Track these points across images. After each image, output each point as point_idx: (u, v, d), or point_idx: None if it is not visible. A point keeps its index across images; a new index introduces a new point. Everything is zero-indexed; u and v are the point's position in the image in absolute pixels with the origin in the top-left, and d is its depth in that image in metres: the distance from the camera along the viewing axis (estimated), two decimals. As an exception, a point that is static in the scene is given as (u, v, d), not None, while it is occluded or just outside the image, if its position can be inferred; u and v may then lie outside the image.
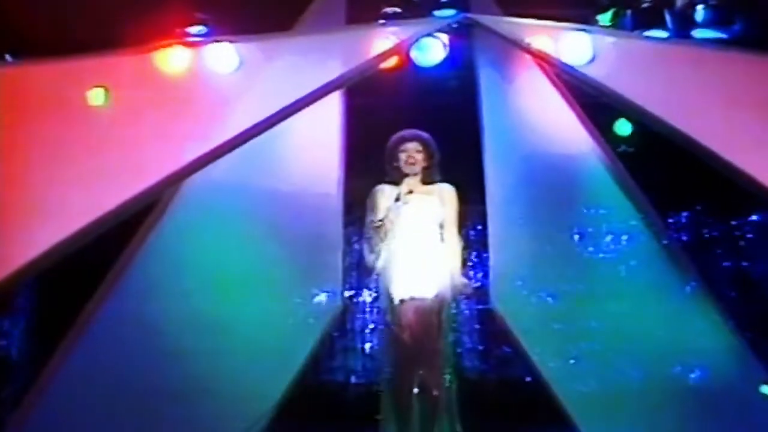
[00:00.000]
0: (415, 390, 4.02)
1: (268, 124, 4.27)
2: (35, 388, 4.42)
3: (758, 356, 4.61)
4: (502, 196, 4.86)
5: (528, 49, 4.47)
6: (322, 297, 4.85)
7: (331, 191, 4.82)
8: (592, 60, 4.36)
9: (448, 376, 4.06)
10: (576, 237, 4.86)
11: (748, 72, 4.26)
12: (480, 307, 5.39)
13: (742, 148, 4.06)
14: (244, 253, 4.71)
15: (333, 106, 4.83)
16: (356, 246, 5.07)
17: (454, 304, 4.27)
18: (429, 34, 4.74)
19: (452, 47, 4.93)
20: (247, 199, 4.73)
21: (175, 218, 4.67)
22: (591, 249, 4.82)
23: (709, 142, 4.07)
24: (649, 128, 4.38)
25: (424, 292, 4.11)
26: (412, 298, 4.09)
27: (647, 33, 4.98)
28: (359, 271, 5.24)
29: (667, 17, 5.04)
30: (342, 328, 5.49)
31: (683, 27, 5.02)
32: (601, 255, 4.82)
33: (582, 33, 4.40)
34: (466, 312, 5.43)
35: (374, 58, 4.39)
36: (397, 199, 4.11)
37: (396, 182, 4.20)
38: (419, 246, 4.19)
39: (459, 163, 4.51)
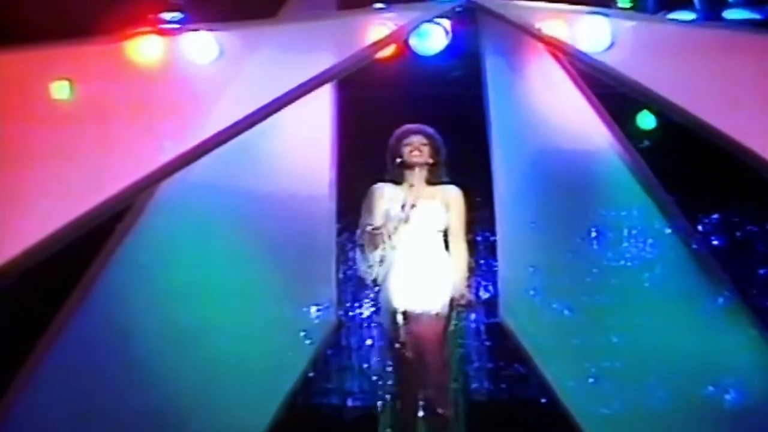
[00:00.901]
0: (420, 413, 3.91)
1: (251, 121, 4.16)
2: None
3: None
4: (511, 198, 4.74)
5: (539, 36, 4.33)
6: (314, 311, 4.70)
7: (322, 194, 4.70)
8: (611, 46, 4.22)
9: (454, 397, 3.91)
10: (594, 243, 4.70)
11: (788, 58, 4.15)
12: (489, 320, 5.22)
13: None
14: (227, 264, 4.59)
15: (323, 101, 4.69)
16: (351, 254, 4.78)
17: (460, 318, 4.11)
18: (430, 20, 4.58)
19: (455, 34, 4.80)
20: (229, 204, 4.61)
21: (149, 226, 4.55)
22: (611, 255, 4.67)
23: (742, 136, 3.94)
24: (675, 121, 4.24)
25: (428, 305, 3.99)
26: (415, 312, 3.98)
27: (672, 15, 4.86)
28: (355, 283, 5.05)
29: (694, -4, 4.97)
30: (337, 346, 5.32)
31: (713, 7, 4.90)
32: (622, 262, 4.67)
33: (599, 16, 4.26)
34: (474, 326, 5.24)
35: (369, 46, 4.26)
36: (404, 206, 3.96)
37: (397, 181, 4.10)
38: (422, 254, 4.06)
39: (464, 162, 4.44)
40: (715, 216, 5.36)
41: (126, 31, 4.31)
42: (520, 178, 4.76)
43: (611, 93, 4.60)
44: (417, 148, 4.07)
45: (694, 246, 4.76)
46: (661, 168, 4.78)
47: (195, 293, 4.54)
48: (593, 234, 4.72)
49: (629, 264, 4.69)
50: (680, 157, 5.01)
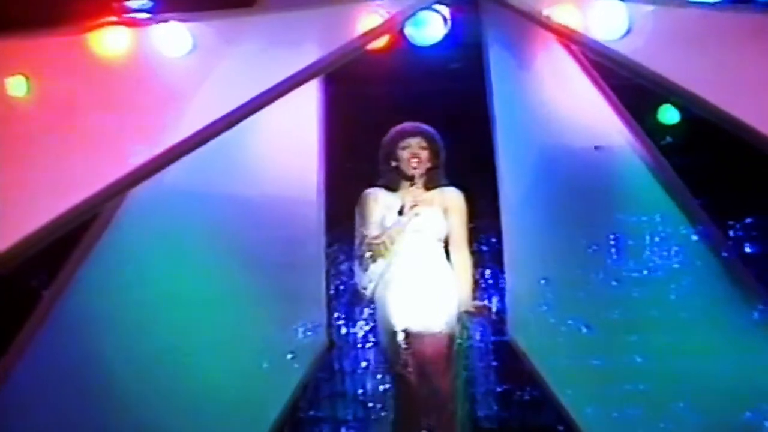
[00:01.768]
0: (423, 442, 3.83)
1: (230, 121, 4.06)
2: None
3: None
4: (519, 202, 4.60)
5: (547, 24, 4.19)
6: (302, 331, 4.55)
7: (310, 200, 4.55)
8: (627, 33, 4.11)
9: (460, 424, 3.83)
10: (613, 251, 4.52)
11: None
12: (496, 339, 5.02)
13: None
14: (204, 280, 4.45)
15: (310, 98, 4.56)
16: (343, 267, 4.79)
17: (466, 336, 4.00)
18: (427, 7, 4.45)
19: (455, 22, 4.64)
20: (207, 212, 4.48)
21: (119, 237, 4.42)
22: (632, 266, 4.49)
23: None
24: (700, 116, 4.12)
25: (430, 323, 3.87)
26: (417, 331, 3.85)
27: (694, -2, 4.79)
28: (348, 299, 4.92)
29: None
30: (328, 369, 5.13)
31: (739, -11, 4.80)
32: (644, 273, 4.49)
33: (614, 0, 4.11)
34: (481, 345, 5.04)
35: (359, 37, 4.17)
36: (401, 212, 3.81)
37: (392, 186, 3.94)
38: (423, 266, 3.93)
39: (466, 164, 4.41)
40: (748, 220, 5.16)
41: (89, 22, 4.18)
42: (528, 180, 4.61)
43: (629, 85, 4.43)
44: (415, 153, 3.89)
45: (725, 254, 4.59)
46: (685, 167, 4.64)
47: (168, 313, 4.40)
48: (611, 242, 4.55)
49: (652, 275, 4.53)
50: (707, 156, 4.86)
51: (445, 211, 3.94)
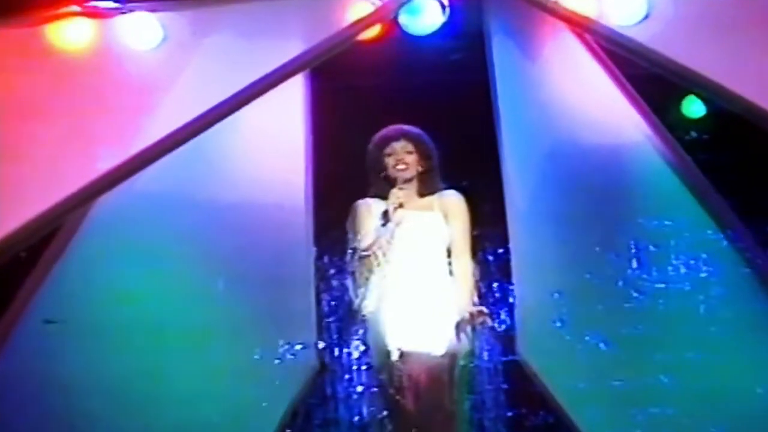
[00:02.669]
0: (422, 475, 3.87)
1: (207, 121, 3.94)
2: None
3: None
4: (527, 207, 4.45)
5: (556, 10, 4.03)
6: (291, 353, 4.39)
7: (296, 207, 4.41)
8: (645, 18, 3.96)
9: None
10: (633, 260, 4.33)
11: None
12: (506, 358, 4.81)
13: None
14: (182, 296, 4.30)
15: (294, 94, 4.43)
16: (334, 282, 4.58)
17: (470, 356, 3.84)
18: None
19: (454, 10, 4.48)
20: (183, 222, 4.35)
21: (84, 251, 4.29)
22: (655, 275, 4.31)
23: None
24: (728, 109, 3.98)
25: (428, 342, 3.75)
26: (415, 352, 3.75)
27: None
28: (341, 316, 4.69)
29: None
30: (320, 395, 4.91)
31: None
32: (669, 283, 4.31)
33: None
34: (488, 366, 4.80)
35: (349, 27, 4.05)
36: (385, 219, 3.70)
37: (384, 195, 3.80)
38: (421, 280, 3.82)
39: (468, 165, 4.33)
40: (783, 224, 5.12)
41: (48, 12, 4.06)
42: (537, 182, 4.45)
43: (647, 75, 4.25)
44: (400, 159, 3.79)
45: (758, 261, 4.39)
46: (712, 165, 4.49)
47: (141, 334, 4.24)
48: (632, 249, 4.36)
49: (678, 285, 4.35)
50: (736, 152, 4.71)
51: (446, 217, 3.81)
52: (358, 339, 4.72)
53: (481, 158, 4.57)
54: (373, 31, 4.37)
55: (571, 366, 4.32)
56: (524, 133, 4.54)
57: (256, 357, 4.37)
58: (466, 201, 3.91)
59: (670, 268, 4.37)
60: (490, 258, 4.73)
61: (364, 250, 3.74)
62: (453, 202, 3.85)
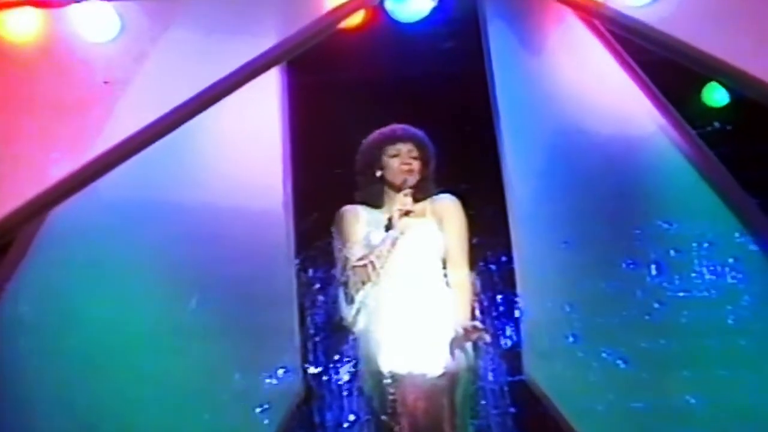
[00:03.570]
0: None
1: (171, 121, 3.79)
2: None
3: None
4: (532, 210, 4.30)
5: None
6: (273, 377, 4.25)
7: (275, 214, 4.27)
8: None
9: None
10: (652, 267, 4.13)
11: None
12: (512, 378, 4.61)
13: None
14: (150, 316, 4.12)
15: (269, 90, 4.31)
16: (320, 297, 4.36)
17: (472, 377, 3.70)
18: None
19: None
20: (150, 233, 4.19)
21: (39, 267, 4.12)
22: (678, 284, 4.12)
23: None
24: (753, 98, 3.77)
25: (426, 363, 3.62)
26: (410, 373, 3.63)
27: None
28: (329, 335, 4.49)
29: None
30: (307, 424, 4.69)
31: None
32: (694, 292, 4.12)
33: None
34: (494, 388, 4.55)
35: (329, 13, 3.93)
36: (389, 227, 3.66)
37: (374, 202, 3.67)
38: (416, 293, 3.68)
39: (464, 166, 4.23)
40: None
41: None
42: (542, 182, 4.30)
43: (662, 61, 4.06)
44: (407, 162, 3.68)
45: None
46: (737, 159, 4.29)
47: (106, 359, 4.05)
48: (650, 255, 4.16)
49: (703, 294, 4.16)
50: (762, 144, 4.55)
51: (440, 223, 3.66)
52: (348, 360, 4.48)
53: (478, 158, 4.45)
54: (355, 18, 4.27)
55: (585, 386, 4.15)
56: (526, 129, 4.40)
57: (235, 383, 4.19)
58: (462, 205, 3.72)
59: (693, 275, 4.18)
60: (492, 267, 4.58)
61: (358, 260, 3.59)
62: (447, 206, 3.70)
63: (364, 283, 3.62)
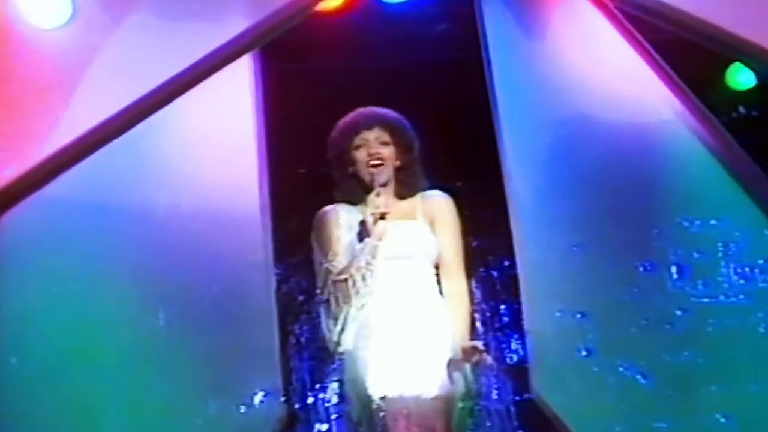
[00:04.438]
0: None
1: (134, 115, 3.67)
2: None
3: None
4: (536, 208, 4.11)
5: None
6: (252, 402, 4.00)
7: (251, 218, 4.05)
8: None
9: None
10: (673, 270, 3.93)
11: None
12: (519, 398, 4.42)
13: None
14: (116, 334, 3.88)
15: (240, 80, 4.09)
16: (302, 313, 4.21)
17: (471, 398, 3.55)
18: None
19: None
20: (108, 237, 3.96)
21: None
22: (701, 289, 3.92)
23: None
24: None
25: (419, 384, 3.46)
26: (401, 396, 3.46)
27: None
28: (313, 355, 4.35)
29: None
30: None
31: None
32: (720, 297, 3.91)
33: None
34: (499, 408, 4.39)
35: None
36: (362, 233, 3.44)
37: (355, 200, 3.46)
38: (407, 306, 3.50)
39: (460, 162, 4.15)
40: None
41: None
42: (547, 178, 4.12)
43: (677, 40, 3.91)
44: (375, 152, 3.46)
45: None
46: (764, 149, 4.07)
47: (62, 388, 3.81)
48: (670, 256, 3.96)
49: (731, 300, 3.94)
50: None
51: (432, 224, 3.45)
52: (334, 382, 4.28)
53: (475, 152, 4.29)
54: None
55: (601, 405, 3.94)
56: (528, 120, 4.21)
57: (207, 409, 3.96)
58: (455, 204, 3.53)
59: (719, 278, 3.95)
60: (494, 273, 4.47)
61: (338, 274, 3.39)
62: (439, 205, 3.50)
63: (346, 300, 3.45)
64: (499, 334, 4.46)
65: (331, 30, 4.29)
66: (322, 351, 3.70)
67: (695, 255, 3.97)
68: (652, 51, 4.12)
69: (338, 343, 3.46)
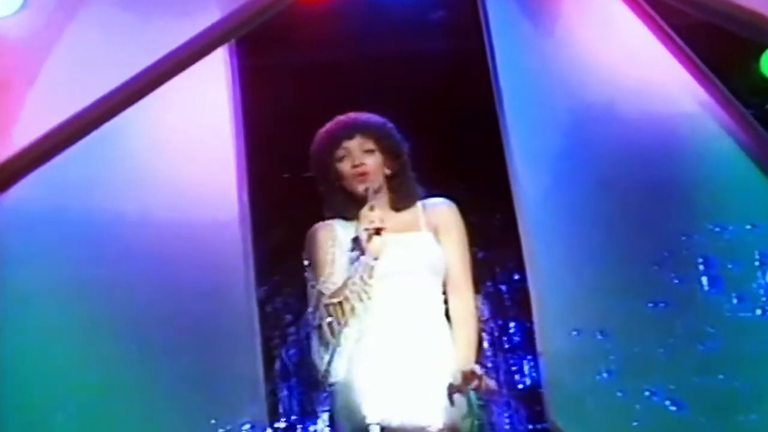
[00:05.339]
0: None
1: (96, 116, 3.38)
2: None
3: None
4: (548, 215, 3.90)
5: None
6: None
7: (229, 230, 3.85)
8: None
9: None
10: (704, 281, 3.72)
11: None
12: (533, 426, 4.34)
13: None
14: (76, 358, 3.70)
15: (215, 76, 3.92)
16: (290, 336, 4.20)
17: (477, 428, 3.35)
18: None
19: None
20: (72, 250, 3.81)
21: None
22: (735, 303, 3.71)
23: None
24: None
25: (421, 415, 3.29)
26: (401, 427, 3.29)
27: None
28: (300, 381, 4.35)
29: None
30: None
31: None
32: (757, 312, 3.69)
33: None
34: None
35: None
36: (356, 251, 3.29)
37: (347, 216, 3.40)
38: (407, 329, 3.35)
39: (462, 165, 4.07)
40: None
41: None
42: (558, 180, 3.93)
43: (703, 25, 3.59)
44: (359, 163, 3.38)
45: None
46: None
47: (33, 415, 3.60)
48: (700, 266, 3.75)
49: None
50: None
51: (437, 236, 3.30)
52: (324, 412, 4.29)
53: (479, 153, 4.16)
54: (321, -14, 3.98)
55: None
56: (536, 116, 4.02)
57: None
58: (460, 212, 3.38)
59: (756, 290, 3.72)
60: (502, 288, 4.36)
61: (331, 297, 3.22)
62: (442, 213, 3.34)
63: (339, 325, 3.29)
64: (509, 355, 4.34)
65: (314, 20, 4.14)
66: (312, 377, 3.48)
67: (729, 265, 3.78)
68: (675, 36, 3.93)
69: (329, 373, 3.30)
